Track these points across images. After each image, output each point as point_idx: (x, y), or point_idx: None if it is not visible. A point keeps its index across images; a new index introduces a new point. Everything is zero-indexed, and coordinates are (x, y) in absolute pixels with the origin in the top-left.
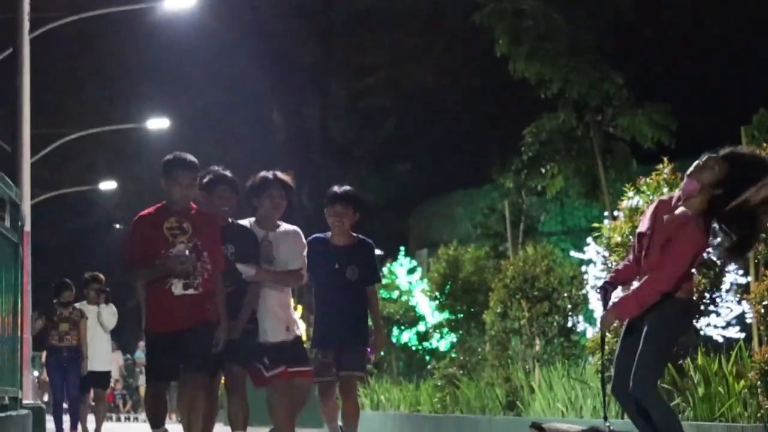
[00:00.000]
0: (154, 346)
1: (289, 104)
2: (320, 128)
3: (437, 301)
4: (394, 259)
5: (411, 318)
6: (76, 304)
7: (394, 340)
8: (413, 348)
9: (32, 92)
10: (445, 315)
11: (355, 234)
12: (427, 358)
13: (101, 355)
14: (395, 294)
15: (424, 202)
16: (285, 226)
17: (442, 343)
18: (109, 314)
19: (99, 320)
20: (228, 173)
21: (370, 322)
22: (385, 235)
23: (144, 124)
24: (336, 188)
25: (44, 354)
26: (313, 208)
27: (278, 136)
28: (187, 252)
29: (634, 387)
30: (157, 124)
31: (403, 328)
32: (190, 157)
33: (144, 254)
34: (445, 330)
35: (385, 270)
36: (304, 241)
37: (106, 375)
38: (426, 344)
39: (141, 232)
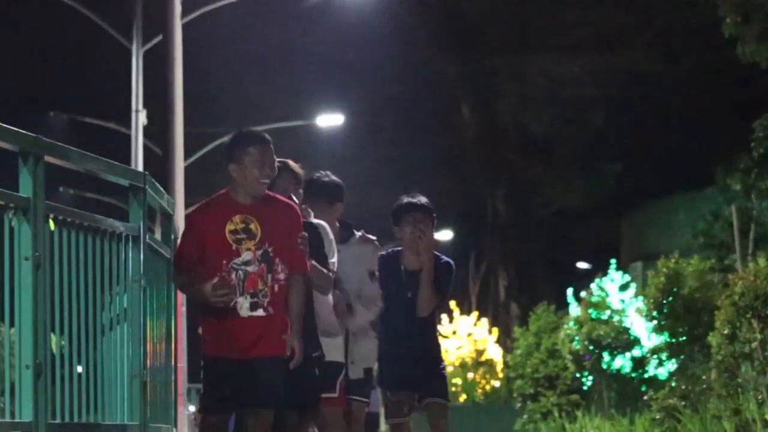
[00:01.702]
0: (212, 371)
1: (479, 95)
2: (516, 123)
3: (655, 322)
4: (604, 273)
5: (624, 342)
6: None
7: (605, 366)
8: (627, 376)
9: (185, 86)
10: (664, 338)
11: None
12: (644, 387)
13: None
14: (606, 314)
15: (639, 207)
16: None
17: (661, 370)
18: None
19: None
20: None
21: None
22: (593, 246)
23: (314, 121)
24: (409, 197)
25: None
26: (509, 215)
27: (467, 132)
28: (234, 279)
29: None
30: (329, 120)
31: (615, 353)
32: (262, 133)
33: (201, 262)
34: (664, 355)
35: (593, 286)
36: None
37: None
38: (642, 372)
39: (197, 234)
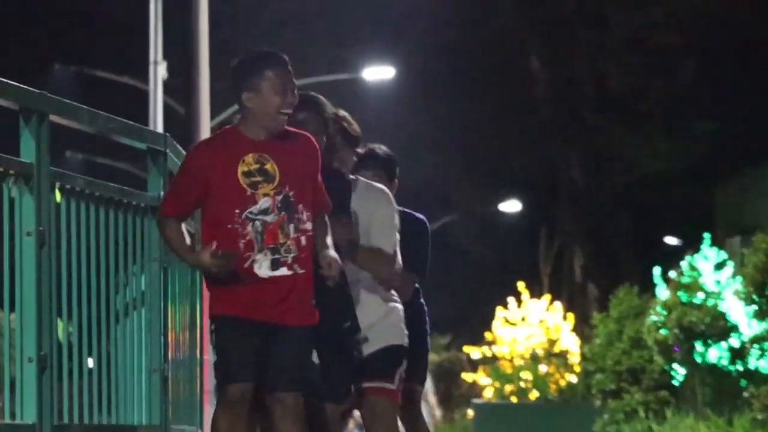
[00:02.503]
0: (227, 331)
1: (551, 44)
2: (593, 75)
3: (755, 306)
4: (696, 250)
5: (720, 329)
6: None
7: (698, 358)
8: (724, 369)
9: (211, 34)
10: (767, 325)
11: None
12: (743, 382)
13: None
14: (698, 297)
15: (736, 173)
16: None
17: (763, 362)
18: None
19: None
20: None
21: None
22: (684, 218)
23: (361, 74)
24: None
25: None
26: (586, 184)
27: (536, 87)
28: (250, 232)
29: None
30: (378, 73)
31: (710, 342)
32: (279, 52)
33: (205, 212)
34: (767, 345)
35: (683, 265)
36: (394, 205)
37: None
38: (741, 364)
39: (200, 173)
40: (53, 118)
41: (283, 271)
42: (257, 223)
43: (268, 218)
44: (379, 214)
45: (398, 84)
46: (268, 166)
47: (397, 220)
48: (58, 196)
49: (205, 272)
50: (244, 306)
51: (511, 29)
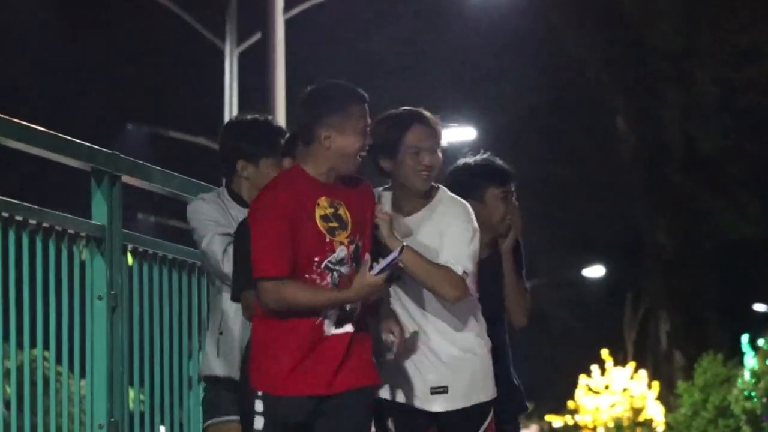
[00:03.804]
0: (281, 417)
1: (638, 106)
2: (682, 137)
3: None
4: None
5: None
6: None
7: None
8: None
9: (288, 95)
10: None
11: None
12: None
13: None
14: None
15: None
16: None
17: None
18: None
19: None
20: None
21: None
22: None
23: None
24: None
25: None
26: (674, 248)
27: (624, 148)
28: (329, 283)
29: None
30: (459, 135)
31: None
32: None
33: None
34: None
35: None
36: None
37: None
38: None
39: (288, 218)
40: (125, 179)
41: (347, 328)
42: (335, 274)
43: (344, 269)
44: (451, 229)
45: (480, 146)
46: (341, 212)
47: (475, 239)
48: (130, 259)
49: (370, 298)
50: (305, 380)
51: (597, 90)
